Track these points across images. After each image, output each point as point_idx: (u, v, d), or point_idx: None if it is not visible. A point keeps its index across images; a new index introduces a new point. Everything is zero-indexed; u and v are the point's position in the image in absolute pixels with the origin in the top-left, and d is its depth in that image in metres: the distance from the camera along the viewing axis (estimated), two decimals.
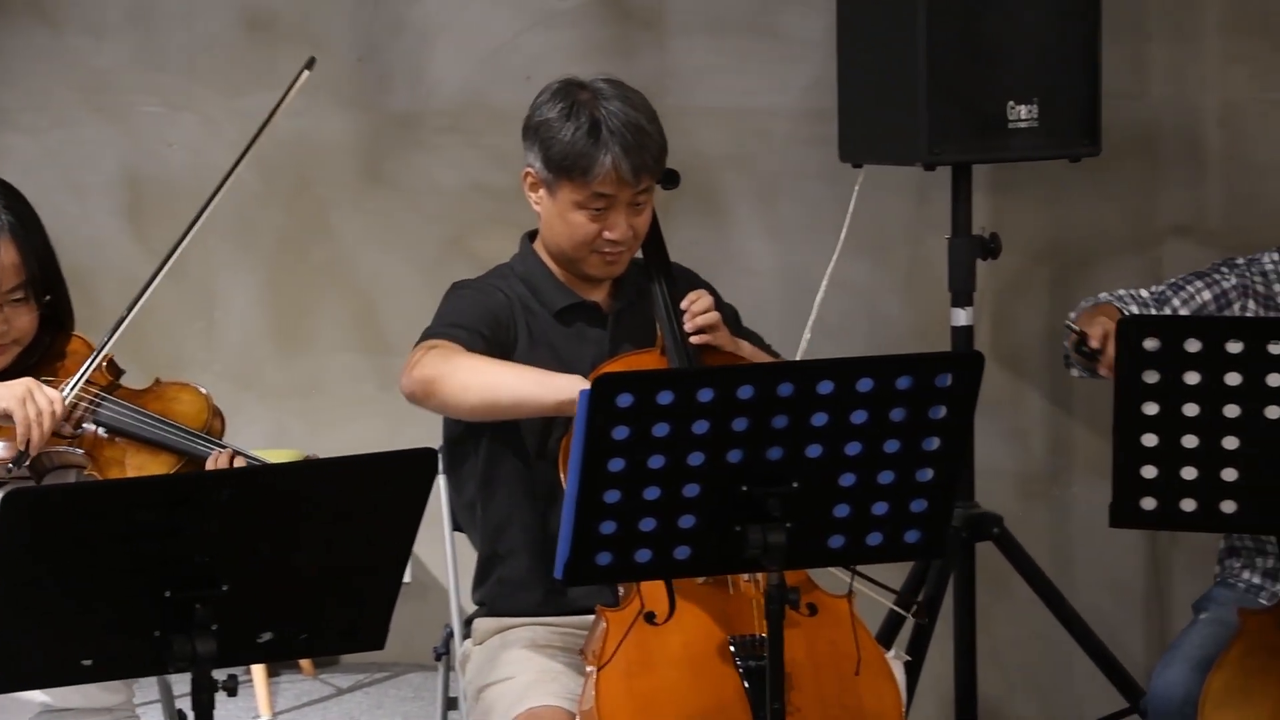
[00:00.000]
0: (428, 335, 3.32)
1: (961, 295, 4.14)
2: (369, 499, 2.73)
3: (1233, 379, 3.05)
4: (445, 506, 3.54)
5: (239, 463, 3.18)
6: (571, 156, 3.29)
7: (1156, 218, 4.58)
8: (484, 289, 3.42)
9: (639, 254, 3.44)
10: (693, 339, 3.34)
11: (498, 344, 3.33)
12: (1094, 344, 3.40)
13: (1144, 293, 3.66)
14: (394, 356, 4.81)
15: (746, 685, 3.12)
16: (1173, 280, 3.67)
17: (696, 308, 3.36)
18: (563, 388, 3.16)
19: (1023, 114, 4.02)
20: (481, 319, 3.34)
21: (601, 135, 3.29)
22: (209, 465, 3.20)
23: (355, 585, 2.77)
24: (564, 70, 3.44)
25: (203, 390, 3.31)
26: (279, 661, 4.71)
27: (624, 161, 3.28)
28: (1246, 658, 3.32)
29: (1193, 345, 3.05)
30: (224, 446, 3.17)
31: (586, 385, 3.12)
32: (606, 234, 3.33)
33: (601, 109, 3.31)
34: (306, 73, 3.45)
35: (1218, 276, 3.65)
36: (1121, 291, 3.65)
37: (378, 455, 2.73)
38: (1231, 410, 3.06)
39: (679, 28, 4.66)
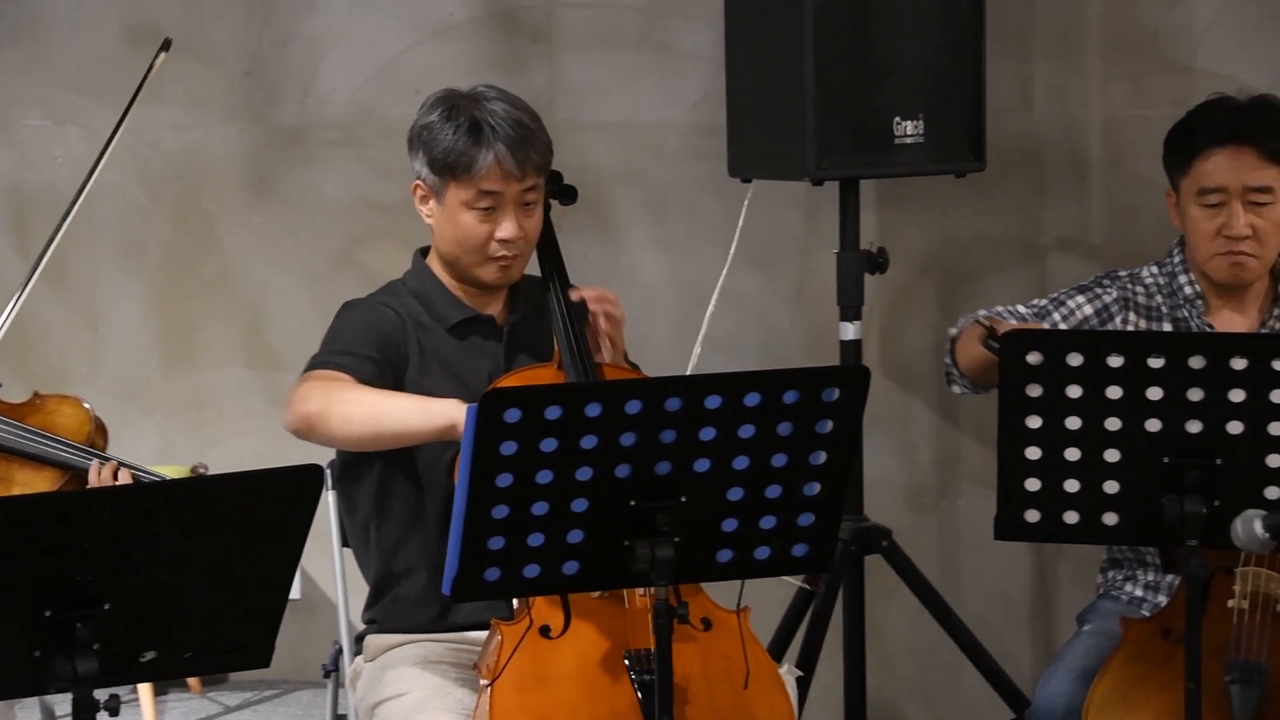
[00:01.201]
0: (314, 364, 3.31)
1: (850, 309, 4.17)
2: (254, 516, 2.71)
3: (1114, 392, 3.09)
4: (334, 522, 3.52)
5: (123, 475, 3.15)
6: (454, 154, 3.30)
7: (1041, 232, 4.63)
8: (373, 308, 3.40)
9: (537, 272, 3.45)
10: (603, 323, 3.36)
11: (388, 364, 3.32)
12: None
13: (1022, 309, 3.70)
14: (283, 371, 4.80)
15: (640, 699, 3.12)
16: (1054, 295, 3.71)
17: (603, 291, 3.38)
18: (442, 414, 3.16)
19: (909, 129, 4.06)
20: (370, 341, 3.32)
21: (484, 131, 3.30)
22: (91, 475, 3.17)
23: (241, 603, 2.75)
24: (454, 84, 3.44)
25: (84, 403, 3.27)
26: (164, 680, 4.66)
27: (507, 155, 3.30)
28: (1128, 667, 3.36)
29: (1074, 359, 3.09)
30: (107, 459, 3.14)
31: (464, 408, 3.13)
32: (497, 234, 3.34)
33: (483, 109, 3.33)
34: (164, 55, 3.44)
35: (1099, 290, 3.70)
36: (1000, 308, 3.68)
37: (263, 472, 2.71)
38: (1113, 423, 3.10)
39: (569, 42, 4.66)
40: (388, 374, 3.31)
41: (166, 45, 3.43)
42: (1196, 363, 3.06)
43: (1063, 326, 3.66)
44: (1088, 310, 3.67)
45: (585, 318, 3.39)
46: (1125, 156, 4.54)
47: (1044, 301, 3.70)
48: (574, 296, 3.37)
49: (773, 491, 2.96)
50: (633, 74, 4.65)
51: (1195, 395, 3.07)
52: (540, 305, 3.43)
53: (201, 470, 3.30)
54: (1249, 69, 4.24)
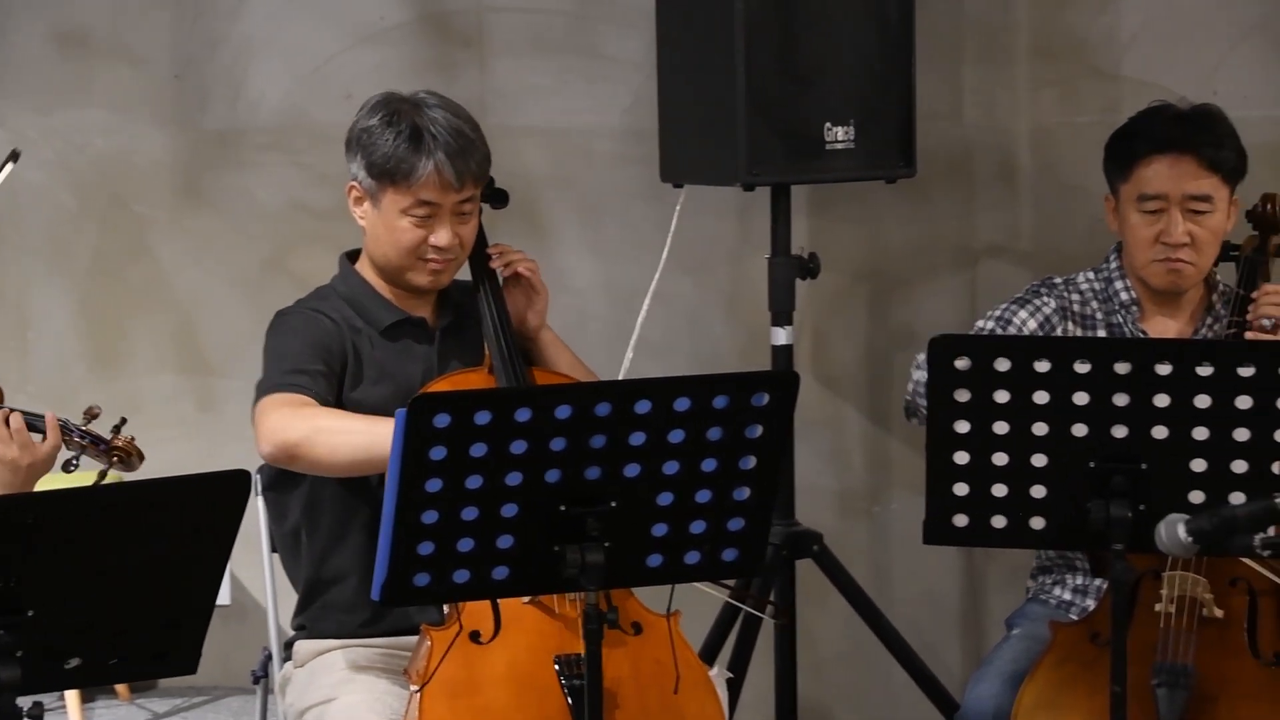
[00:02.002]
0: (270, 388, 3.27)
1: (781, 315, 4.18)
2: (181, 521, 2.69)
3: (1041, 397, 3.10)
4: (264, 528, 3.51)
5: (15, 420, 3.15)
6: (394, 160, 3.30)
7: (971, 238, 4.66)
8: (309, 318, 3.38)
9: (467, 276, 3.45)
10: (512, 268, 3.40)
11: (334, 375, 3.32)
12: None
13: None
14: (213, 377, 4.78)
15: (570, 704, 3.13)
16: (996, 314, 3.72)
17: (513, 252, 3.40)
18: None
19: (840, 136, 4.07)
20: (315, 354, 3.31)
21: (424, 139, 3.30)
22: None
23: (167, 609, 2.73)
24: (385, 89, 3.43)
25: None
26: (90, 687, 4.62)
27: (447, 165, 3.29)
28: (1057, 670, 3.38)
29: (1002, 364, 3.10)
30: None
31: None
32: (432, 241, 3.34)
33: (424, 116, 3.33)
34: (11, 165, 3.45)
35: (1039, 303, 3.71)
36: None
37: (190, 477, 2.70)
38: (1040, 428, 3.11)
39: (500, 47, 4.66)
40: (335, 385, 3.31)
41: (14, 156, 3.44)
42: (1122, 368, 3.08)
43: None
44: (1032, 325, 3.68)
45: (510, 321, 3.40)
46: (1054, 163, 4.57)
47: (989, 325, 3.70)
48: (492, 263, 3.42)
49: (703, 496, 2.97)
50: (564, 79, 4.65)
51: (1121, 400, 3.09)
52: (471, 308, 3.43)
53: (95, 411, 3.30)
54: (1175, 77, 4.28)
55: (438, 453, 2.82)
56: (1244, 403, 3.06)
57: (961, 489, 3.15)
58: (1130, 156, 3.61)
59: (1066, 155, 4.50)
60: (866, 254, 4.66)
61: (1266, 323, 3.53)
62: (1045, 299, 3.70)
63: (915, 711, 4.36)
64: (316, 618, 3.39)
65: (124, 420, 3.32)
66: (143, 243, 4.83)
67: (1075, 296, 3.72)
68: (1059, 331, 3.68)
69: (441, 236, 3.33)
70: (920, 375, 3.62)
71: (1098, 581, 3.63)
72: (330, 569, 3.37)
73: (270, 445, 3.20)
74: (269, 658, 3.55)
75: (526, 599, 3.19)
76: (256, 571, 3.60)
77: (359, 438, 3.18)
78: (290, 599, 3.45)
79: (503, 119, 4.61)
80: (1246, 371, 3.06)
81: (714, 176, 4.13)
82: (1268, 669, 3.31)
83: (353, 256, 3.47)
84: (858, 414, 4.71)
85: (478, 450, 2.84)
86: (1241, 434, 3.07)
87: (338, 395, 3.31)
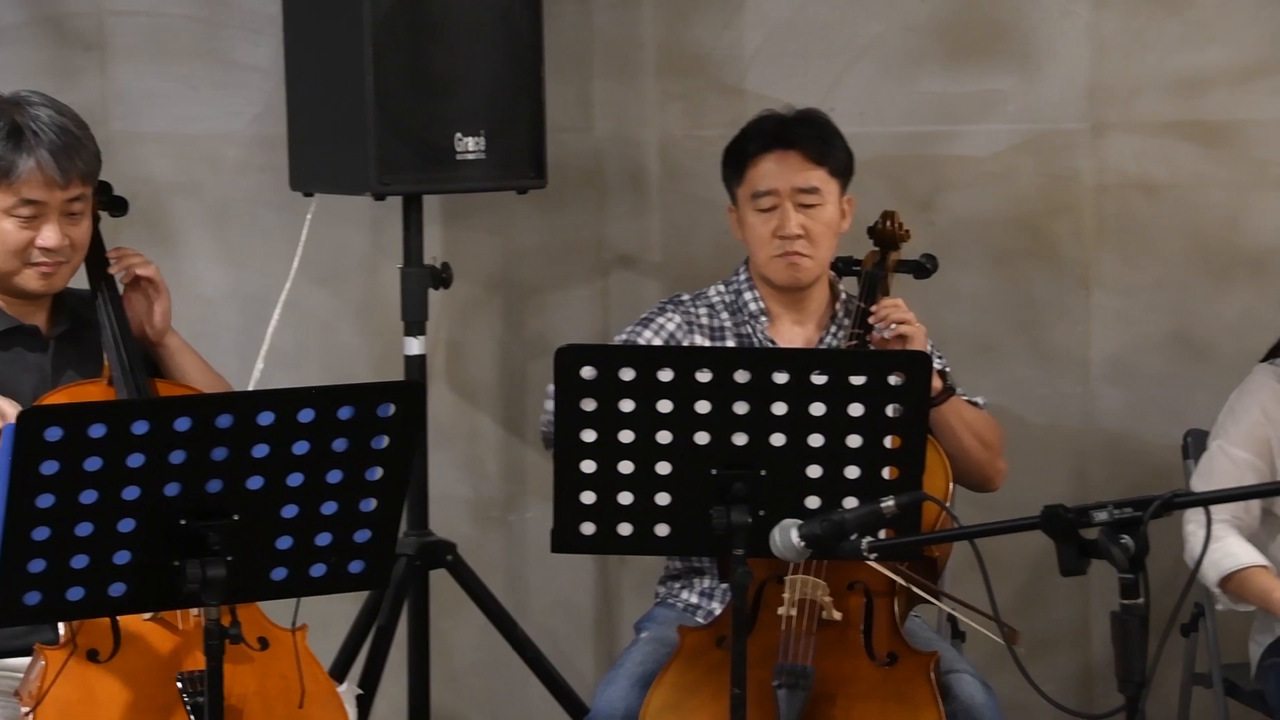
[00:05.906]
0: None
1: (414, 325, 4.17)
2: None
3: (664, 406, 3.16)
4: None
5: None
6: None
7: (602, 249, 4.71)
8: None
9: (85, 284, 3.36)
10: (132, 272, 3.33)
11: None
12: None
13: None
14: None
15: None
16: (623, 337, 3.78)
17: (132, 255, 3.33)
18: None
19: (470, 146, 4.08)
20: None
21: (25, 136, 3.23)
22: None
23: None
24: None
25: None
26: None
27: (50, 162, 3.22)
28: (683, 674, 3.44)
29: (627, 374, 3.16)
30: None
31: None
32: (39, 242, 3.26)
33: (26, 113, 3.25)
34: None
35: (663, 320, 3.78)
36: None
37: None
38: (664, 436, 3.17)
39: (122, 51, 4.54)
40: None
41: None
42: (741, 377, 3.16)
43: None
44: (657, 343, 3.75)
45: (130, 330, 3.33)
46: (681, 176, 4.65)
47: (620, 339, 3.76)
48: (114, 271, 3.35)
49: (328, 508, 2.95)
50: (190, 84, 4.55)
51: (741, 408, 3.16)
52: (88, 318, 3.35)
53: None
54: (795, 93, 4.37)
55: (49, 467, 2.75)
56: (856, 410, 3.17)
57: (589, 497, 3.19)
58: (742, 159, 3.76)
59: (694, 167, 4.59)
60: (500, 264, 4.68)
61: (886, 333, 3.66)
62: (670, 315, 3.78)
63: (549, 718, 4.39)
64: None
65: None
66: None
67: (704, 310, 3.80)
68: (685, 344, 3.75)
69: (49, 237, 3.25)
70: (552, 405, 3.66)
71: (725, 585, 3.70)
72: None
73: None
74: None
75: (149, 615, 3.12)
76: None
77: None
78: None
79: (127, 125, 4.49)
80: (858, 380, 3.16)
81: (344, 185, 4.10)
82: (881, 669, 3.42)
83: None
84: (493, 423, 4.72)
85: (92, 464, 2.78)
86: (854, 440, 3.18)
87: None
